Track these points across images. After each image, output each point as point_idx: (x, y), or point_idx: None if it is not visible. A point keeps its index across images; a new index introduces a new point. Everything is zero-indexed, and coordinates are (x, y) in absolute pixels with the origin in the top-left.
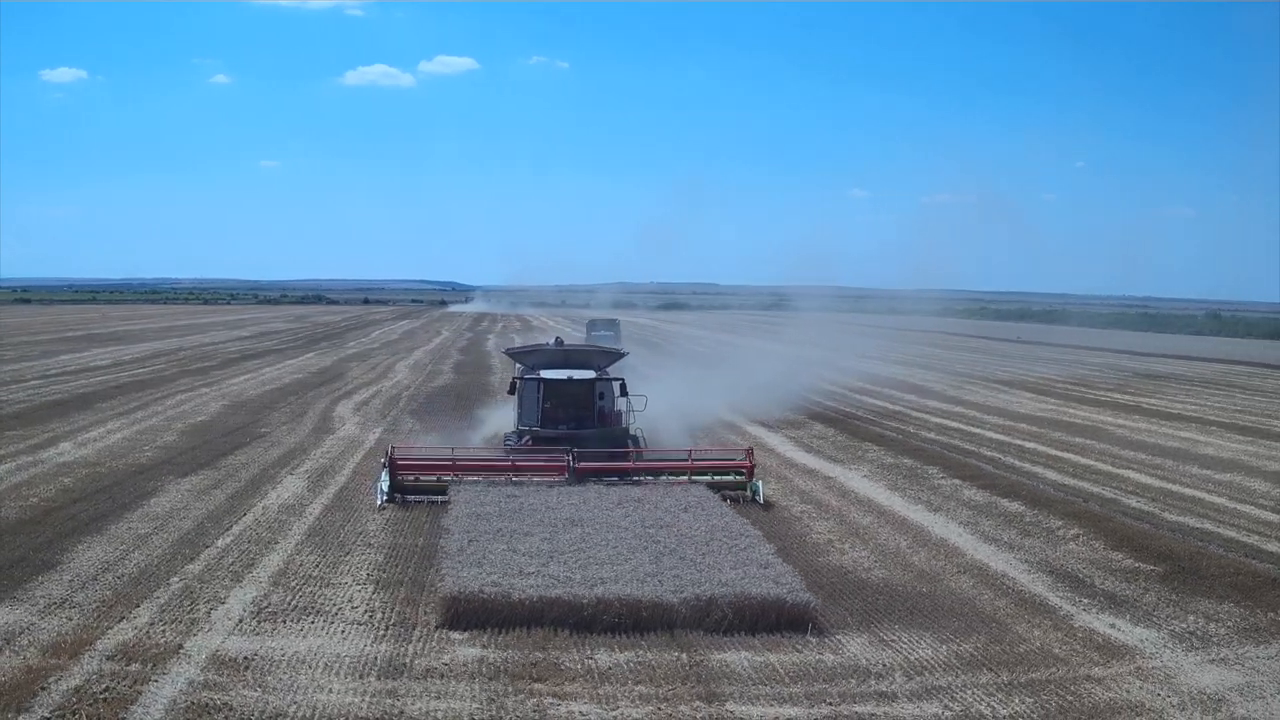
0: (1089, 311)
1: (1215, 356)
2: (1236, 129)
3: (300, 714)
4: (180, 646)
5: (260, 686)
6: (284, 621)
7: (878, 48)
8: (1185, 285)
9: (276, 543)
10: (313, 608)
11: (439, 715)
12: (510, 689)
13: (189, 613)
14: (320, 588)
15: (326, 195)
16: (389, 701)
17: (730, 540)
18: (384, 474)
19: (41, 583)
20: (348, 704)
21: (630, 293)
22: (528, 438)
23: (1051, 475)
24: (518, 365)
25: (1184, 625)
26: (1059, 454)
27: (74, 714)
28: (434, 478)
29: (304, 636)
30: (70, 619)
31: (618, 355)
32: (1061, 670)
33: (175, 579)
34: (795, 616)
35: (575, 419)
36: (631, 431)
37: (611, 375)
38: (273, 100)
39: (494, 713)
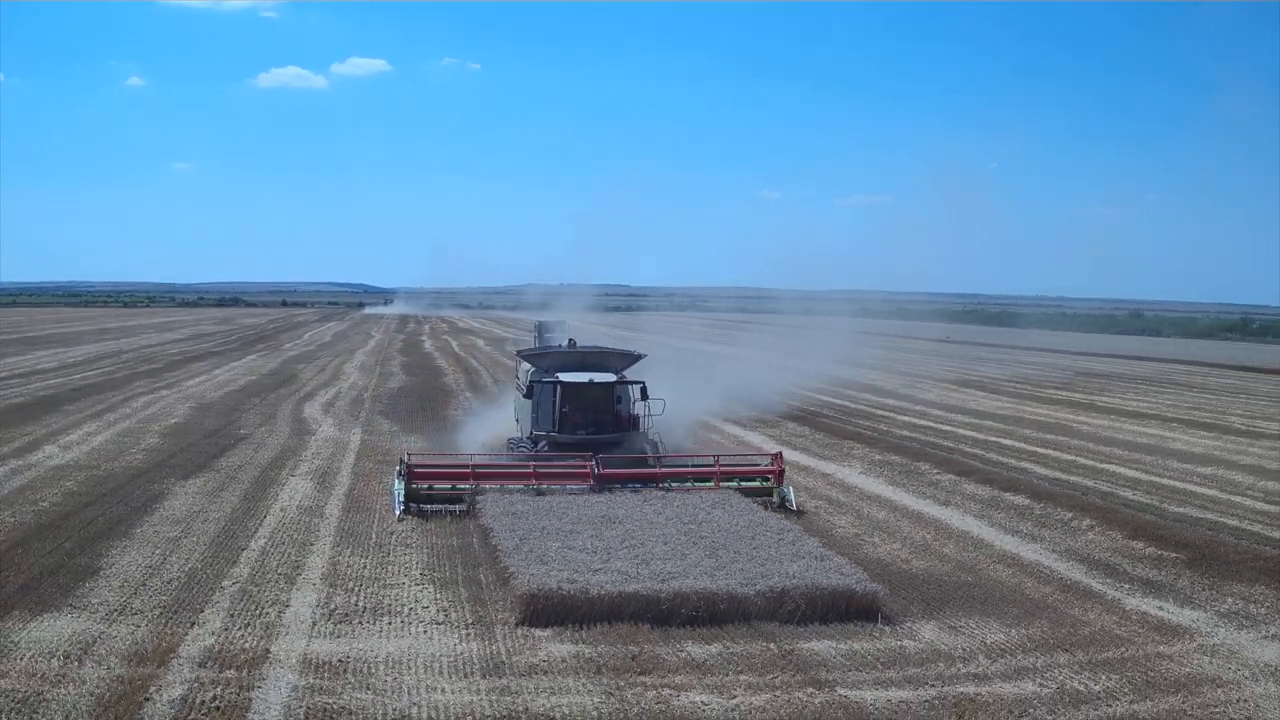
0: (1011, 312)
1: (1148, 355)
2: (1154, 128)
3: (424, 715)
4: (268, 651)
5: (369, 688)
6: (359, 623)
7: (797, 47)
8: (1099, 285)
9: (311, 544)
10: (382, 608)
11: (564, 711)
12: (621, 682)
13: (258, 616)
14: (379, 588)
15: (239, 197)
16: (508, 699)
17: (775, 535)
18: (398, 481)
19: (91, 589)
20: (468, 703)
21: (557, 294)
22: (544, 443)
23: (1041, 470)
24: (522, 367)
25: (1226, 607)
26: (1038, 450)
27: None
28: (450, 485)
29: (388, 637)
30: (138, 626)
31: (635, 357)
32: (1131, 649)
33: (226, 583)
34: (865, 606)
35: (594, 424)
36: (650, 436)
37: (630, 378)
38: (187, 102)
39: (616, 706)
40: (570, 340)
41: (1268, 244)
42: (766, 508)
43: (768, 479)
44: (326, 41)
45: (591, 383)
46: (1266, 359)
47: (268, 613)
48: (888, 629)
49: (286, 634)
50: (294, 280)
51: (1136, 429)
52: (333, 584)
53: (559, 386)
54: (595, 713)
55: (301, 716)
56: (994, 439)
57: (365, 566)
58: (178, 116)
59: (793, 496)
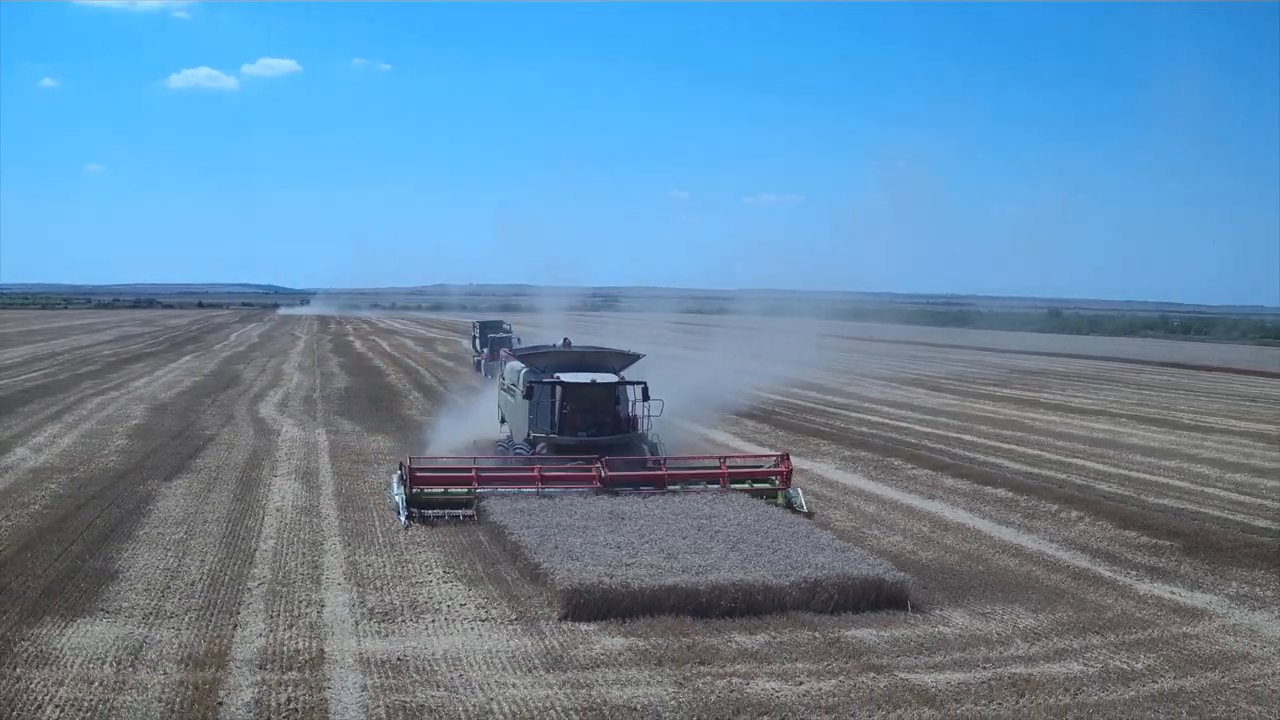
0: (963, 312)
1: (1075, 353)
2: (1058, 127)
3: (505, 710)
4: (322, 651)
5: (440, 686)
6: (402, 621)
7: (707, 48)
8: (1011, 283)
9: (321, 544)
10: (420, 606)
11: (642, 701)
12: (687, 673)
13: (298, 617)
14: (408, 587)
15: (152, 199)
16: (583, 693)
17: (788, 529)
18: (398, 486)
19: (116, 592)
20: (543, 697)
21: (476, 294)
22: (542, 445)
23: (1011, 464)
24: (510, 366)
25: (1233, 590)
26: (1000, 445)
27: None
28: (454, 490)
29: (436, 635)
30: (179, 629)
31: (633, 357)
32: (1157, 631)
33: (252, 584)
34: (894, 594)
35: (595, 425)
36: (650, 438)
37: (631, 379)
38: (100, 103)
39: (691, 696)
40: (565, 340)
41: (1193, 242)
42: (768, 503)
43: (772, 480)
44: (237, 42)
45: (594, 383)
46: (1193, 355)
47: (306, 613)
48: (919, 617)
49: (334, 634)
50: (206, 281)
51: (1088, 424)
52: (359, 583)
53: (560, 387)
54: (673, 702)
55: (383, 716)
56: (953, 435)
57: (385, 566)
58: (91, 118)
59: (802, 498)
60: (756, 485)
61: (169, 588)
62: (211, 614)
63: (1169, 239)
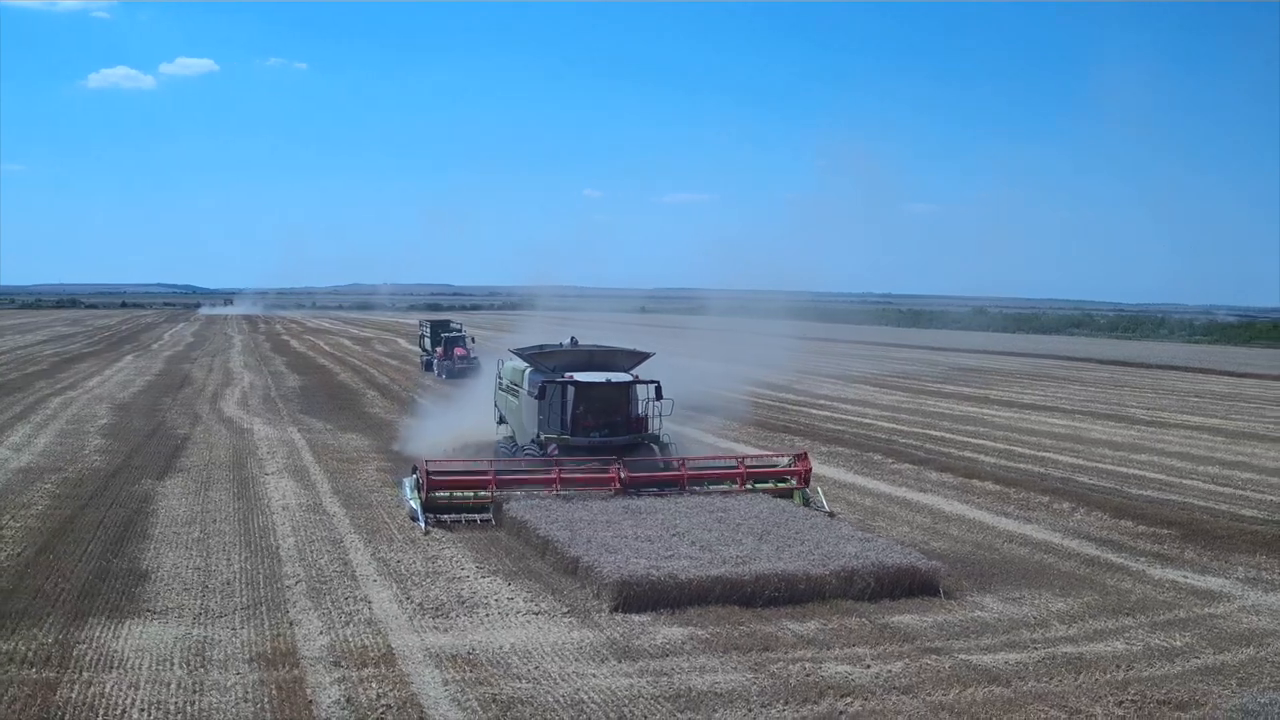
0: (917, 311)
1: (1008, 350)
2: (974, 126)
3: (596, 700)
4: (390, 647)
5: (521, 678)
6: (456, 616)
7: (619, 47)
8: (929, 281)
9: (341, 542)
10: (467, 602)
11: (724, 687)
12: (757, 659)
13: (351, 614)
14: (447, 583)
15: (70, 198)
16: (664, 680)
17: (806, 521)
18: (411, 490)
19: (154, 592)
20: (627, 686)
21: (406, 294)
22: (554, 447)
23: (987, 459)
24: (508, 365)
25: (1242, 574)
26: (970, 440)
27: None
28: (472, 493)
29: (495, 629)
30: (235, 628)
31: (643, 355)
32: (1182, 611)
33: (288, 581)
34: (927, 581)
35: (608, 426)
36: (661, 438)
37: (645, 378)
38: (19, 103)
39: (769, 681)
40: (572, 338)
41: (1146, 241)
42: (782, 500)
43: (787, 480)
44: (155, 41)
45: (609, 383)
46: (1127, 354)
47: (357, 610)
48: (953, 602)
49: (393, 630)
50: (124, 282)
51: (1046, 420)
52: (396, 580)
53: (574, 387)
54: (754, 687)
55: (477, 708)
56: (919, 430)
57: (415, 562)
58: (10, 118)
59: (823, 498)
60: (779, 484)
61: (206, 587)
62: (261, 612)
63: (1118, 238)
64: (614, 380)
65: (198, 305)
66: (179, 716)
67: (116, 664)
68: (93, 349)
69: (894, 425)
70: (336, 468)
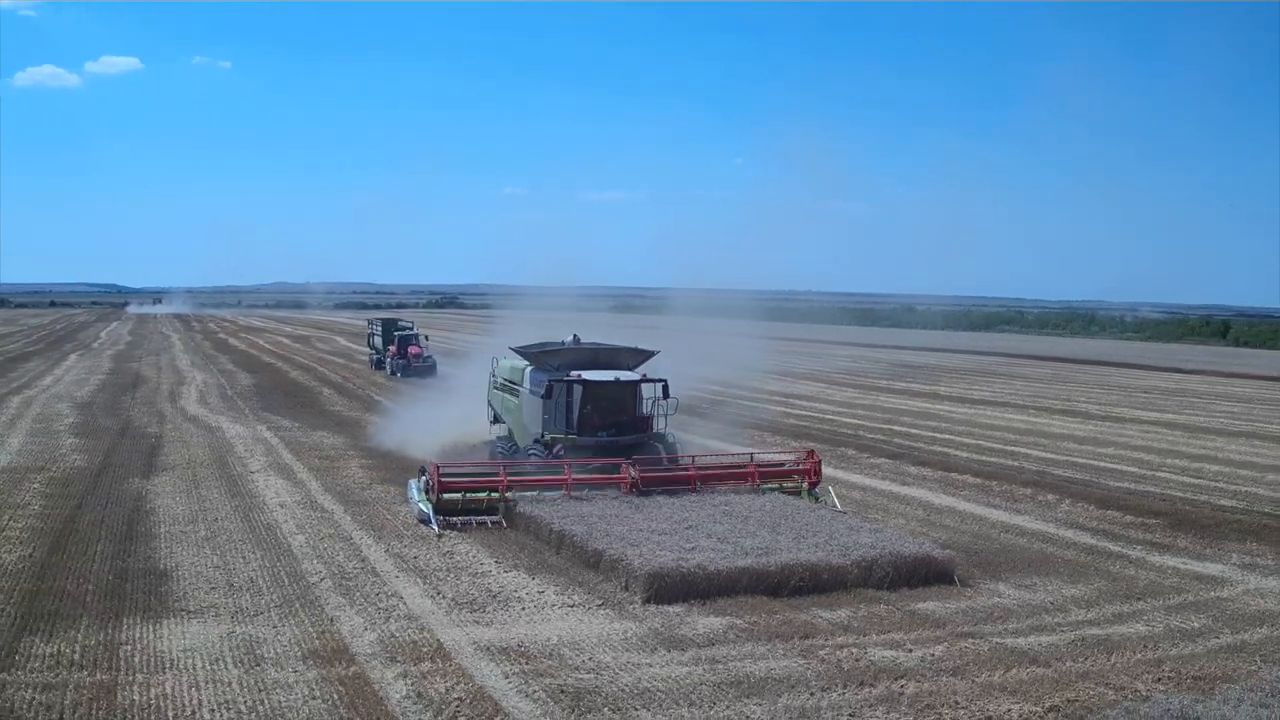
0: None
1: (940, 347)
2: (897, 125)
3: (661, 688)
4: (439, 642)
5: (580, 669)
6: (493, 611)
7: (539, 46)
8: (856, 279)
9: (351, 538)
10: (499, 596)
11: (779, 673)
12: (803, 645)
13: (388, 610)
14: (472, 578)
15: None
16: (720, 668)
17: (814, 514)
18: (419, 492)
19: (182, 592)
20: (685, 674)
21: (330, 292)
22: (560, 447)
23: (959, 453)
24: (502, 364)
25: (1237, 560)
26: (936, 435)
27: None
28: (484, 495)
29: (536, 622)
30: (277, 625)
31: (648, 354)
32: (1191, 595)
33: (312, 578)
34: (942, 570)
35: (615, 425)
36: (667, 437)
37: (652, 376)
38: None
39: (821, 666)
40: (575, 336)
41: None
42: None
43: (796, 479)
44: (81, 40)
45: (617, 381)
46: (1064, 350)
47: (393, 605)
48: (969, 590)
49: (436, 625)
50: (48, 281)
51: (1004, 416)
52: (420, 576)
53: (582, 386)
54: (810, 672)
55: (547, 699)
56: (882, 425)
57: (432, 558)
58: None
59: (834, 496)
60: (785, 485)
61: (231, 585)
62: (296, 610)
63: (1041, 237)
64: (623, 379)
65: (125, 304)
66: (251, 716)
67: (168, 664)
68: (35, 348)
69: (856, 421)
70: (319, 465)
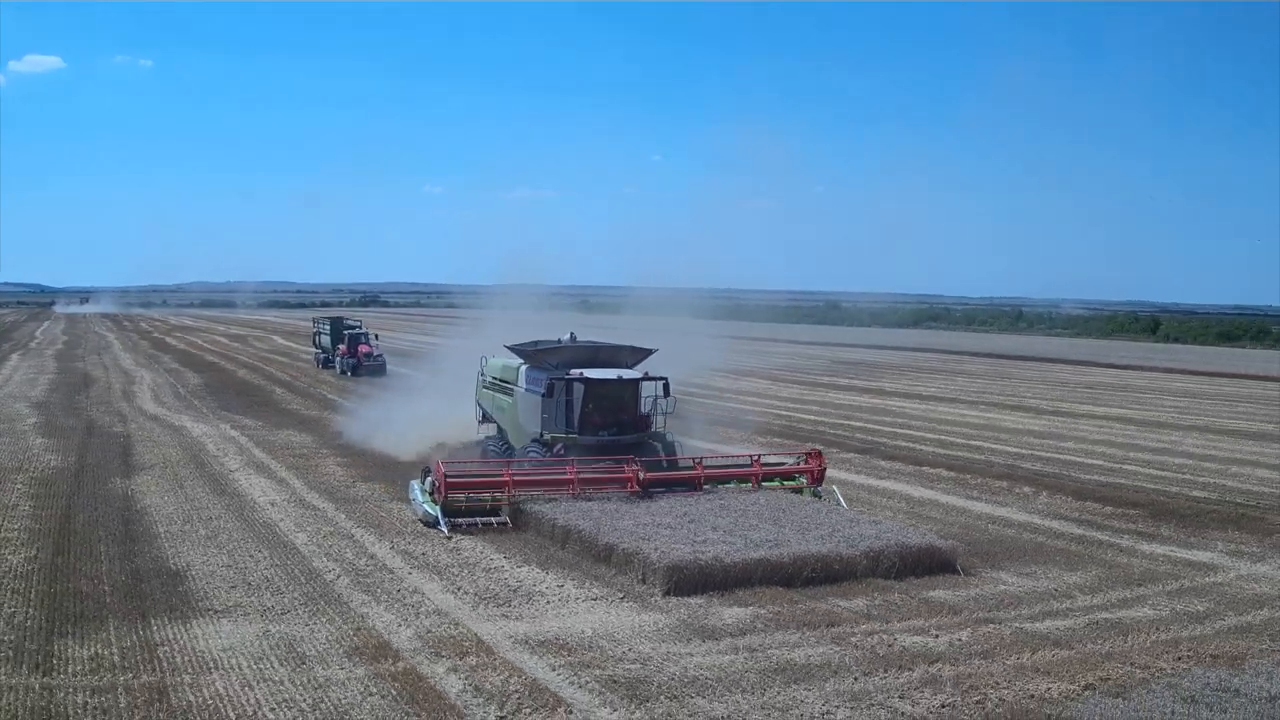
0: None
1: (874, 344)
2: (816, 121)
3: (710, 676)
4: (478, 636)
5: (624, 660)
6: (519, 605)
7: (456, 45)
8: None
9: (353, 536)
10: (524, 591)
11: (819, 660)
12: (833, 633)
13: (414, 605)
14: (486, 573)
15: None
16: (759, 656)
17: (810, 506)
18: (423, 493)
19: (202, 591)
20: (728, 663)
21: (250, 291)
22: (560, 446)
23: (925, 448)
24: (492, 363)
25: (1221, 548)
26: (898, 429)
27: (519, 713)
28: (489, 496)
29: (566, 616)
30: (312, 624)
31: (646, 352)
32: (1188, 581)
33: (329, 576)
34: (945, 559)
35: (616, 424)
36: (667, 437)
37: (654, 374)
38: None
39: (857, 653)
40: (571, 334)
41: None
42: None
43: (796, 478)
44: (4, 39)
45: (620, 379)
46: (997, 347)
47: (418, 601)
48: (973, 579)
49: (468, 620)
50: None
51: (957, 411)
52: (435, 572)
53: (584, 384)
54: (848, 659)
55: (601, 689)
56: (839, 421)
57: (440, 555)
58: None
59: (839, 496)
60: (785, 484)
61: (248, 584)
62: (322, 607)
63: (960, 233)
64: (625, 377)
65: (52, 303)
66: (314, 713)
67: (212, 665)
68: None
69: (812, 417)
70: (296, 464)
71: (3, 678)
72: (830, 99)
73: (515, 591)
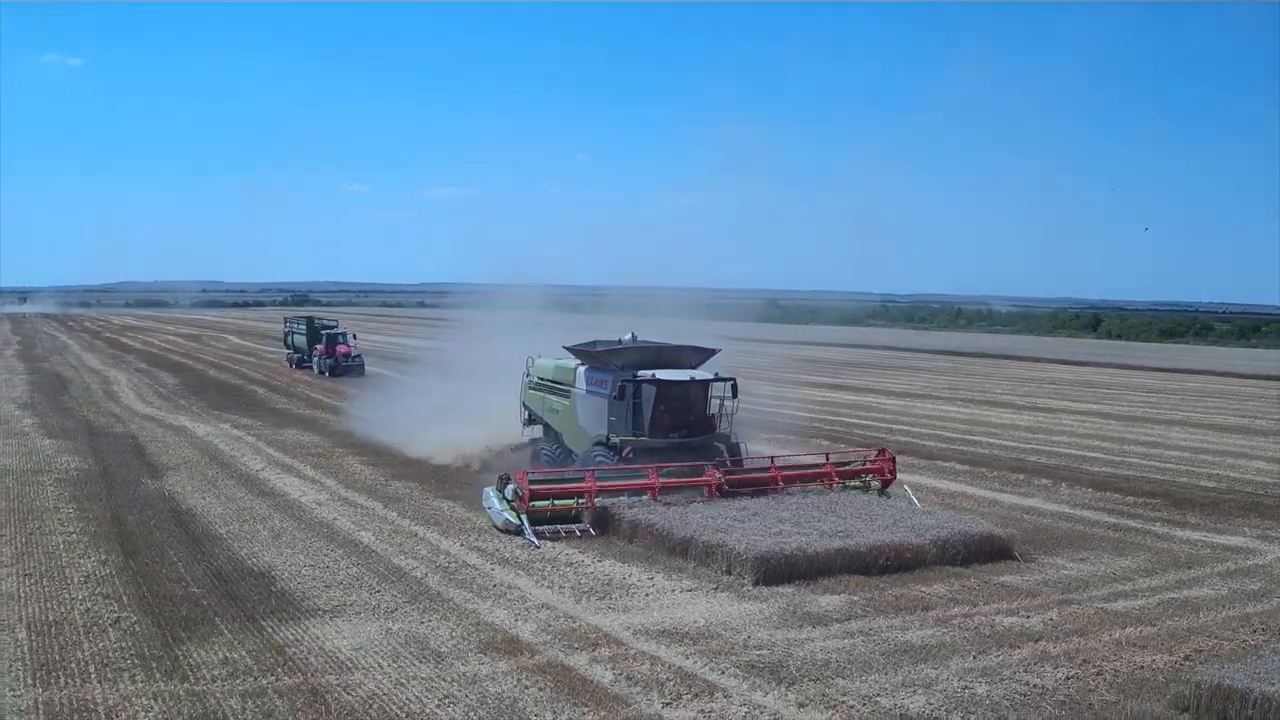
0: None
1: (823, 341)
2: (737, 121)
3: (838, 659)
4: (599, 628)
5: (752, 646)
6: (619, 598)
7: (377, 41)
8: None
9: (417, 534)
10: (619, 584)
11: (935, 640)
12: (936, 615)
13: (516, 601)
14: (571, 568)
15: None
16: (876, 639)
17: (864, 498)
18: (501, 501)
19: (302, 592)
20: (851, 646)
21: (178, 290)
22: (629, 450)
23: (930, 443)
24: (539, 363)
25: (1251, 533)
26: (894, 425)
27: (681, 700)
28: (573, 501)
29: (671, 607)
30: (428, 621)
31: (709, 352)
32: (1232, 564)
33: (416, 574)
34: (1004, 547)
35: (686, 425)
36: (732, 438)
37: (723, 375)
38: None
39: (963, 633)
40: (632, 335)
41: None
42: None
43: (864, 478)
44: None
45: (693, 381)
46: (946, 344)
47: (519, 596)
48: (1032, 565)
49: (580, 613)
50: None
51: (937, 408)
52: (517, 568)
53: (655, 386)
54: (960, 639)
55: (747, 674)
56: (827, 416)
57: (514, 550)
58: None
59: (911, 494)
60: (849, 485)
61: (340, 583)
62: (428, 604)
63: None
64: (698, 378)
65: None
66: (482, 708)
67: (349, 664)
68: None
69: (799, 413)
70: (318, 463)
71: (142, 685)
72: (748, 101)
73: (609, 585)
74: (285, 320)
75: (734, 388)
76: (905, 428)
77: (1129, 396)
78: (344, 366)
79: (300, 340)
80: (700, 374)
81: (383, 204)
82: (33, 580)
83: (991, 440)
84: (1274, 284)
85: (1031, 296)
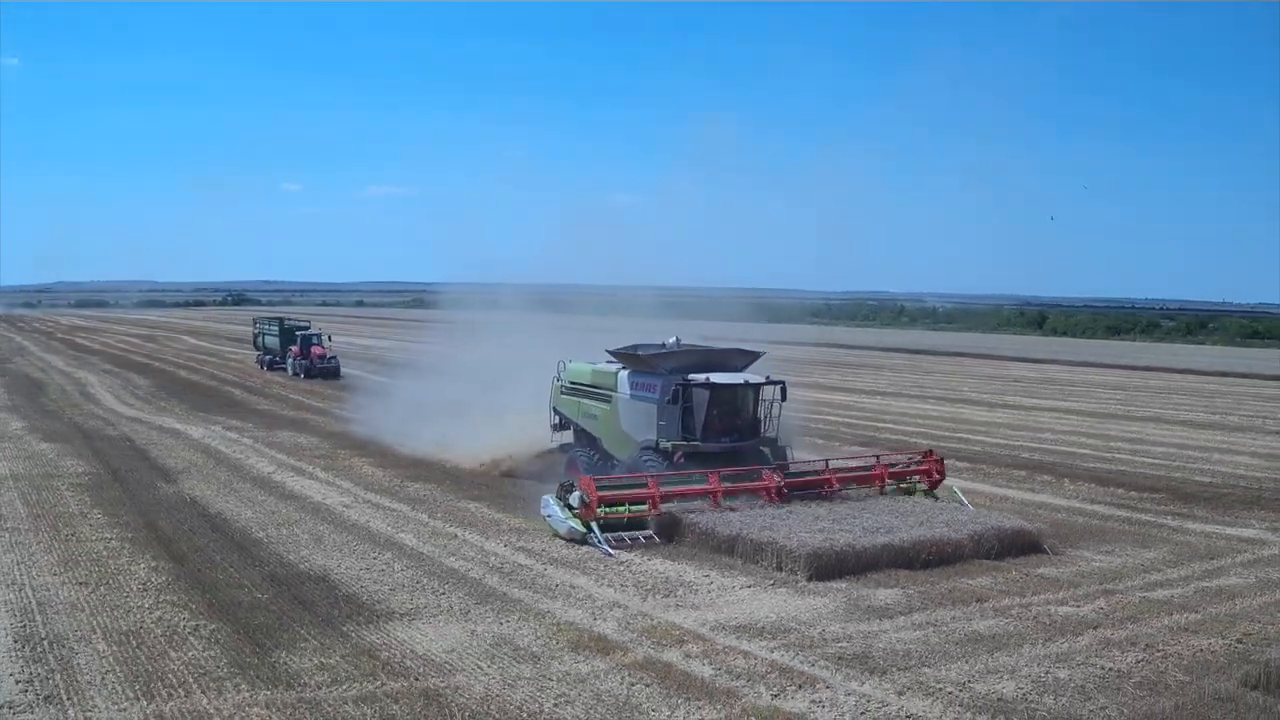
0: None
1: (775, 339)
2: (678, 117)
3: (918, 650)
4: (677, 625)
5: (830, 640)
6: (684, 595)
7: (312, 39)
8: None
9: (458, 535)
10: (678, 582)
11: (994, 630)
12: (993, 606)
13: (587, 601)
14: (625, 568)
15: None
16: (942, 629)
17: (908, 501)
18: (564, 509)
19: (371, 596)
20: (921, 637)
21: (114, 290)
22: (680, 454)
23: (921, 441)
24: (572, 368)
25: (1259, 526)
26: (878, 424)
27: (786, 692)
28: (635, 508)
29: (735, 604)
30: (507, 623)
31: (755, 355)
32: (1251, 554)
33: (474, 575)
34: (1033, 541)
35: (736, 430)
36: (779, 441)
37: (774, 378)
38: None
39: (1021, 623)
40: (676, 338)
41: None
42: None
43: (911, 480)
44: None
45: (746, 384)
46: (896, 341)
47: (586, 596)
48: (1062, 557)
49: (651, 611)
50: None
51: (914, 406)
52: (570, 568)
53: (709, 390)
54: (1018, 628)
55: (835, 666)
56: (813, 415)
57: (561, 551)
58: None
59: (960, 494)
60: (900, 485)
61: (403, 586)
62: (499, 605)
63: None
64: (750, 382)
65: None
66: (603, 706)
67: (447, 667)
68: None
69: (785, 413)
70: (327, 465)
71: (248, 694)
72: (689, 96)
73: (670, 583)
74: (255, 321)
75: (783, 390)
76: (891, 426)
77: (1096, 394)
78: (319, 368)
79: (272, 341)
80: (752, 377)
81: (317, 202)
82: (90, 589)
83: (981, 438)
84: (1218, 281)
85: (967, 293)
